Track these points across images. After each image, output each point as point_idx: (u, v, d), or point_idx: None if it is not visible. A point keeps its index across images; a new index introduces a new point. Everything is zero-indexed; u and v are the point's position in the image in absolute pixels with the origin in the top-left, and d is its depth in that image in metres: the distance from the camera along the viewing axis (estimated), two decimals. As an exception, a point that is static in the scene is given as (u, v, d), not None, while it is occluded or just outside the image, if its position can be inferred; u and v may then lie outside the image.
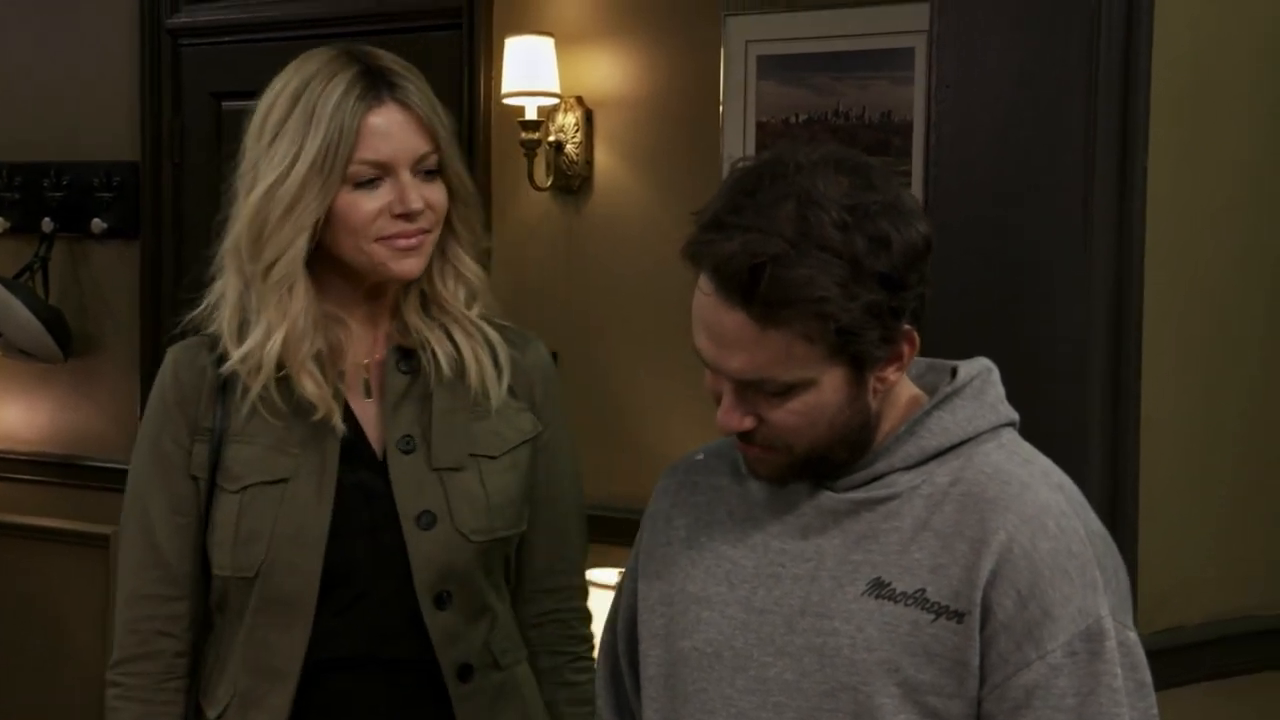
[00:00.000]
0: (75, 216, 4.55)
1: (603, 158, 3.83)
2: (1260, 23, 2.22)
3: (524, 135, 3.77)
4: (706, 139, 3.66)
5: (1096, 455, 2.09)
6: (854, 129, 3.47)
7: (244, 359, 2.00)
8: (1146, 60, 2.07)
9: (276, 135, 1.97)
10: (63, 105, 4.61)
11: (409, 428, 2.05)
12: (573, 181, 3.85)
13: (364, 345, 2.07)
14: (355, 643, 2.03)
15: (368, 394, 2.07)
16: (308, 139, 1.95)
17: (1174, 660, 2.08)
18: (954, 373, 1.69)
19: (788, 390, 1.56)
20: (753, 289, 1.51)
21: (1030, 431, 1.70)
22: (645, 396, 3.78)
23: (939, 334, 1.90)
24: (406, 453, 2.04)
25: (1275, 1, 2.23)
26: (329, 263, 2.02)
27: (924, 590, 1.57)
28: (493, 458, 2.07)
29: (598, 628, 2.17)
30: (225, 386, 2.04)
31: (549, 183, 3.86)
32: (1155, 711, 1.60)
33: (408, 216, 1.98)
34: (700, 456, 1.82)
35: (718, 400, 1.61)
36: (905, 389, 1.68)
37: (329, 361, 2.02)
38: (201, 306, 2.07)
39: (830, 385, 1.57)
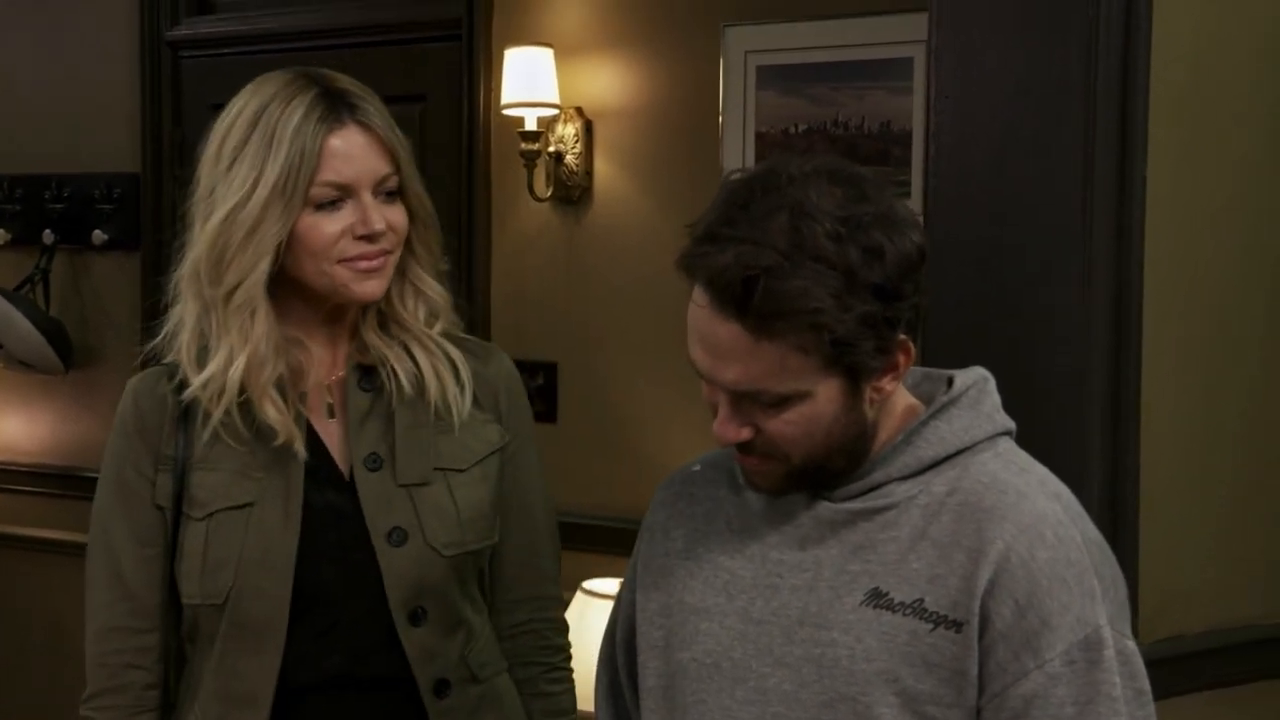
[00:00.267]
0: (76, 228, 4.55)
1: (602, 168, 3.84)
2: (1259, 24, 2.23)
3: (524, 146, 3.77)
4: (706, 149, 3.66)
5: (1096, 464, 2.09)
6: (853, 139, 3.48)
7: (205, 385, 1.99)
8: (1145, 68, 2.07)
9: (235, 159, 1.96)
10: (64, 117, 4.61)
11: (374, 445, 2.04)
12: (572, 192, 3.86)
13: (325, 366, 2.07)
14: (330, 665, 2.02)
15: (330, 414, 2.07)
16: (268, 162, 1.94)
17: (1175, 669, 2.08)
18: (950, 382, 1.69)
19: (783, 401, 1.56)
20: (746, 301, 1.51)
21: (1030, 441, 1.70)
22: (645, 406, 3.78)
23: (938, 343, 1.91)
24: (373, 470, 2.03)
25: (1274, 3, 2.24)
26: (289, 286, 2.01)
27: (922, 600, 1.57)
28: (460, 470, 2.06)
29: (589, 637, 2.17)
30: (186, 414, 2.03)
31: (549, 193, 3.86)
32: (1153, 720, 1.60)
33: (370, 238, 1.98)
34: (697, 467, 1.82)
35: (714, 411, 1.61)
36: (901, 398, 1.68)
37: (290, 384, 2.02)
38: (161, 335, 2.06)
39: (826, 396, 1.57)
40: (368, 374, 2.07)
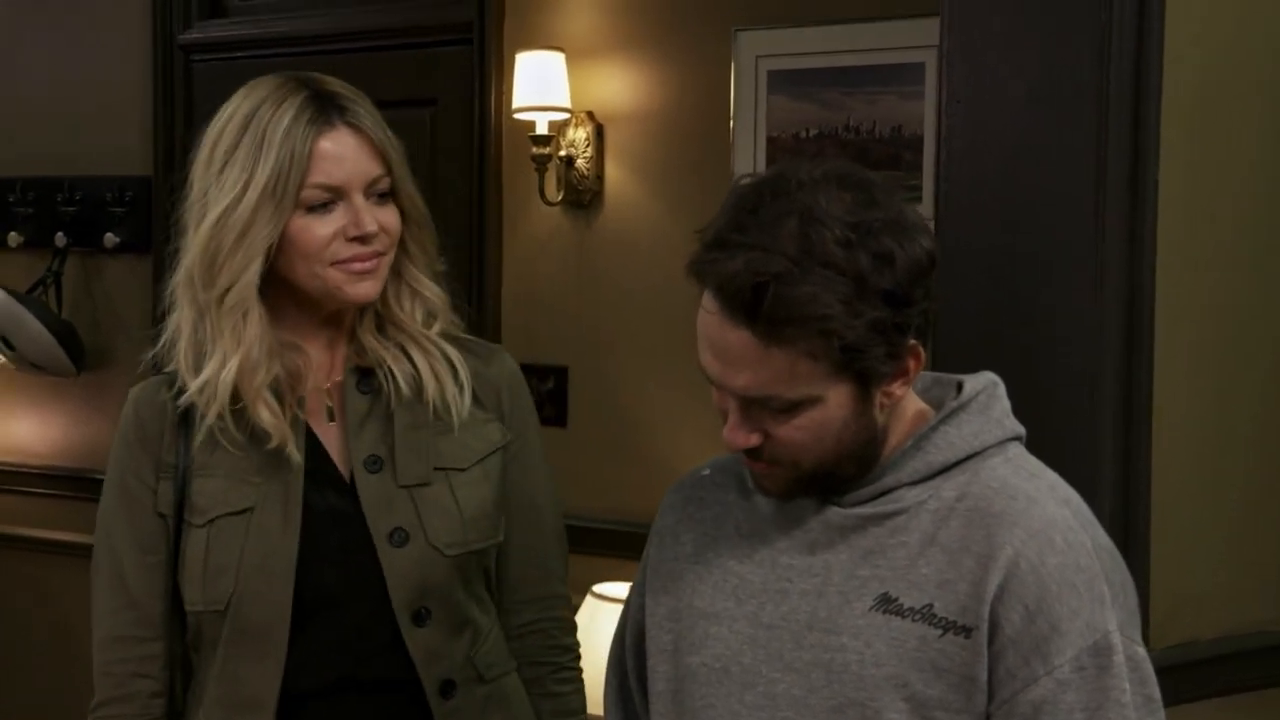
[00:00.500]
0: (88, 231, 4.56)
1: (613, 172, 3.84)
2: (1272, 26, 2.22)
3: (535, 150, 3.78)
4: (717, 154, 3.66)
5: (1107, 469, 2.08)
6: (864, 144, 3.47)
7: (200, 389, 1.99)
8: (1157, 72, 2.07)
9: (226, 163, 1.96)
10: (76, 120, 4.62)
11: (374, 447, 2.04)
12: (583, 196, 3.86)
13: (324, 370, 2.07)
14: (335, 668, 2.02)
15: (330, 418, 2.07)
16: (259, 165, 1.94)
17: (1186, 675, 2.07)
18: (960, 387, 1.69)
19: (793, 407, 1.56)
20: (756, 307, 1.51)
21: (1041, 446, 1.70)
22: (655, 410, 3.78)
23: (949, 348, 1.90)
24: (373, 472, 2.03)
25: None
26: (284, 290, 2.02)
27: (931, 605, 1.57)
28: (461, 470, 2.06)
29: (599, 640, 2.17)
30: (186, 422, 2.03)
31: (560, 197, 3.86)
32: (1164, 726, 1.60)
33: (362, 239, 1.98)
34: (707, 472, 1.82)
35: (724, 417, 1.61)
36: (911, 404, 1.68)
37: (288, 388, 2.02)
38: (160, 343, 2.06)
39: (836, 402, 1.57)
40: (365, 376, 2.07)
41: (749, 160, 3.60)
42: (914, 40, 3.34)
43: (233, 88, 2.04)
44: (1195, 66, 2.13)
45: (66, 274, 4.59)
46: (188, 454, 2.03)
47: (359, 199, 1.98)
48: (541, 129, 3.76)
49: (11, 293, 4.44)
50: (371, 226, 1.98)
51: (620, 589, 3.14)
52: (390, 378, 2.05)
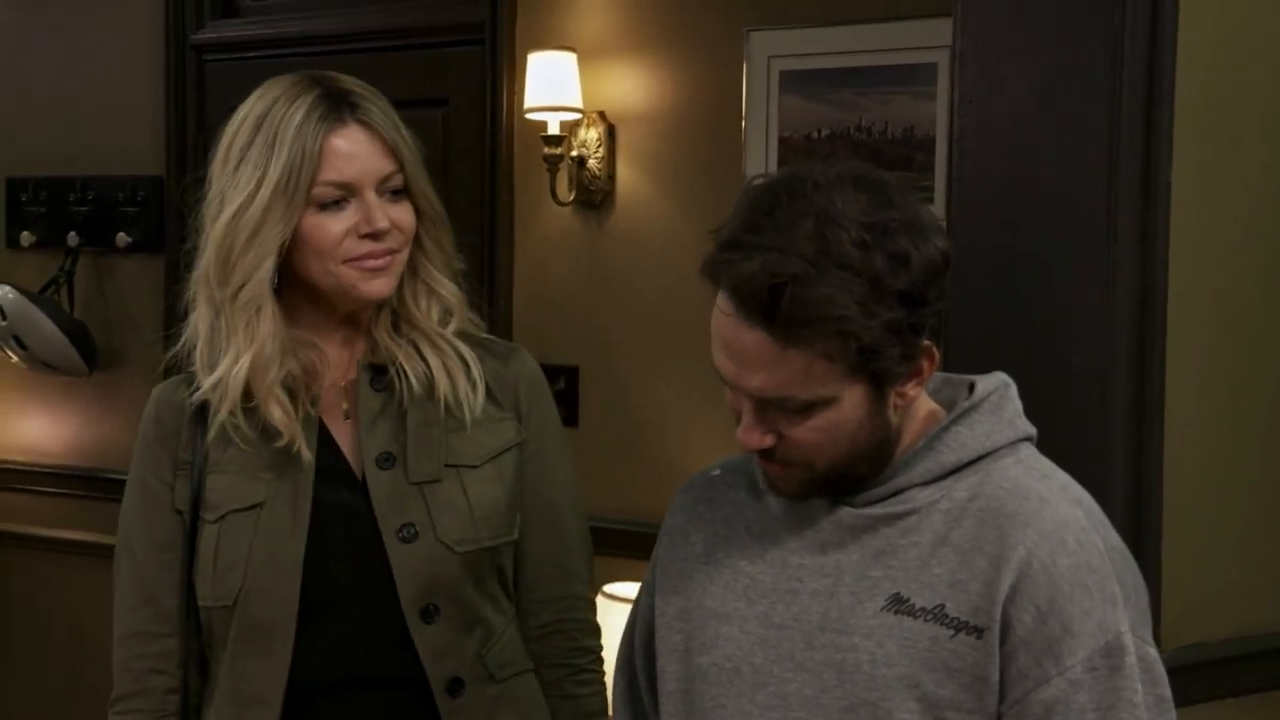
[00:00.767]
0: (100, 231, 4.57)
1: (625, 173, 3.84)
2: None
3: (546, 150, 3.78)
4: (729, 154, 3.66)
5: (1119, 469, 2.08)
6: (876, 144, 3.47)
7: (214, 386, 2.01)
8: (1170, 73, 2.07)
9: (241, 161, 1.98)
10: (88, 120, 4.63)
11: (387, 444, 2.05)
12: (595, 196, 3.86)
13: (340, 368, 2.08)
14: (343, 664, 2.02)
15: (346, 416, 2.08)
16: (271, 163, 1.96)
17: (1198, 676, 2.07)
18: (972, 388, 1.69)
19: (808, 408, 1.56)
20: (773, 309, 1.51)
21: (1052, 446, 1.70)
22: (666, 410, 3.78)
23: (961, 349, 1.90)
24: (385, 469, 2.04)
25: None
26: (301, 288, 2.03)
27: (943, 606, 1.57)
28: (473, 467, 2.07)
29: (608, 640, 2.17)
30: (201, 419, 2.05)
31: (571, 197, 3.86)
32: (1175, 727, 1.60)
33: (374, 236, 1.99)
34: (717, 472, 1.82)
35: (738, 417, 1.61)
36: (923, 404, 1.68)
37: (303, 385, 2.03)
38: (180, 343, 2.08)
39: (851, 402, 1.57)
40: (379, 374, 2.08)
41: (761, 161, 3.60)
42: (926, 41, 3.34)
43: (245, 88, 2.05)
44: (1208, 69, 2.12)
45: (79, 273, 4.60)
46: (202, 450, 2.04)
47: (371, 196, 1.99)
48: (553, 129, 3.76)
49: (24, 292, 4.45)
50: (383, 223, 1.98)
51: (630, 589, 3.14)
52: (402, 375, 2.05)
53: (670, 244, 3.73)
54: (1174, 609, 2.12)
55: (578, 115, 3.79)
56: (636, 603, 1.88)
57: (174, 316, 2.12)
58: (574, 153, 3.83)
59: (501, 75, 3.95)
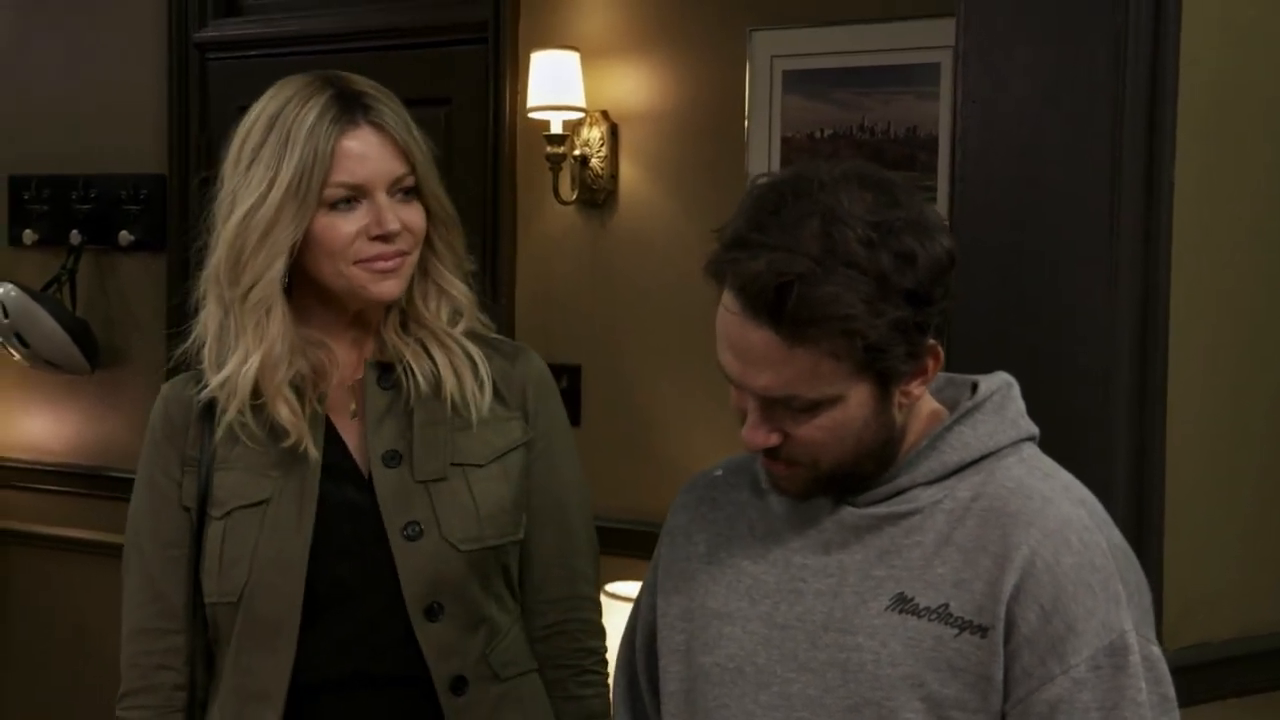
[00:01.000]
0: (102, 229, 4.57)
1: (628, 172, 3.84)
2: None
3: (549, 149, 3.78)
4: (731, 154, 3.66)
5: (1121, 469, 2.08)
6: (879, 144, 3.47)
7: (222, 384, 2.01)
8: (1173, 73, 2.07)
9: (253, 161, 1.99)
10: (91, 119, 4.63)
11: (393, 443, 2.05)
12: (597, 195, 3.86)
13: (349, 367, 2.09)
14: (347, 662, 2.03)
15: (354, 414, 2.08)
16: (283, 163, 1.96)
17: (1199, 676, 2.07)
18: (974, 387, 1.69)
19: (814, 407, 1.56)
20: (780, 308, 1.51)
21: (1055, 445, 1.70)
22: (668, 409, 3.78)
23: (964, 348, 1.90)
24: (391, 467, 2.04)
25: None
26: (311, 288, 2.04)
27: (947, 605, 1.57)
28: (479, 466, 2.07)
29: (609, 639, 2.17)
30: (209, 416, 2.06)
31: (574, 196, 3.87)
32: (1179, 726, 1.60)
33: (385, 238, 1.99)
34: (719, 472, 1.82)
35: (742, 417, 1.61)
36: (926, 404, 1.68)
37: (311, 384, 2.04)
38: (190, 340, 2.08)
39: (856, 401, 1.57)
40: (386, 372, 2.08)
41: (763, 160, 3.60)
42: (929, 40, 3.34)
43: (247, 86, 2.06)
44: (1211, 69, 2.13)
45: (81, 271, 4.60)
46: (210, 448, 2.05)
47: (382, 197, 1.99)
48: (556, 128, 3.77)
49: (26, 290, 4.45)
50: (394, 225, 1.99)
51: (632, 588, 3.14)
52: (409, 373, 2.06)
53: (673, 243, 3.73)
54: (1176, 608, 2.12)
55: (580, 114, 3.80)
56: (637, 603, 1.88)
57: (177, 315, 2.13)
58: (577, 152, 3.83)
59: (504, 74, 3.95)
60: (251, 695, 2.03)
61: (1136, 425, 2.09)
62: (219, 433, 2.04)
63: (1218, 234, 2.17)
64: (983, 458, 1.64)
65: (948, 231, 1.58)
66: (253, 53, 4.40)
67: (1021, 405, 1.69)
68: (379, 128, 2.00)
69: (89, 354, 4.50)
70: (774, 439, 1.60)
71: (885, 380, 1.57)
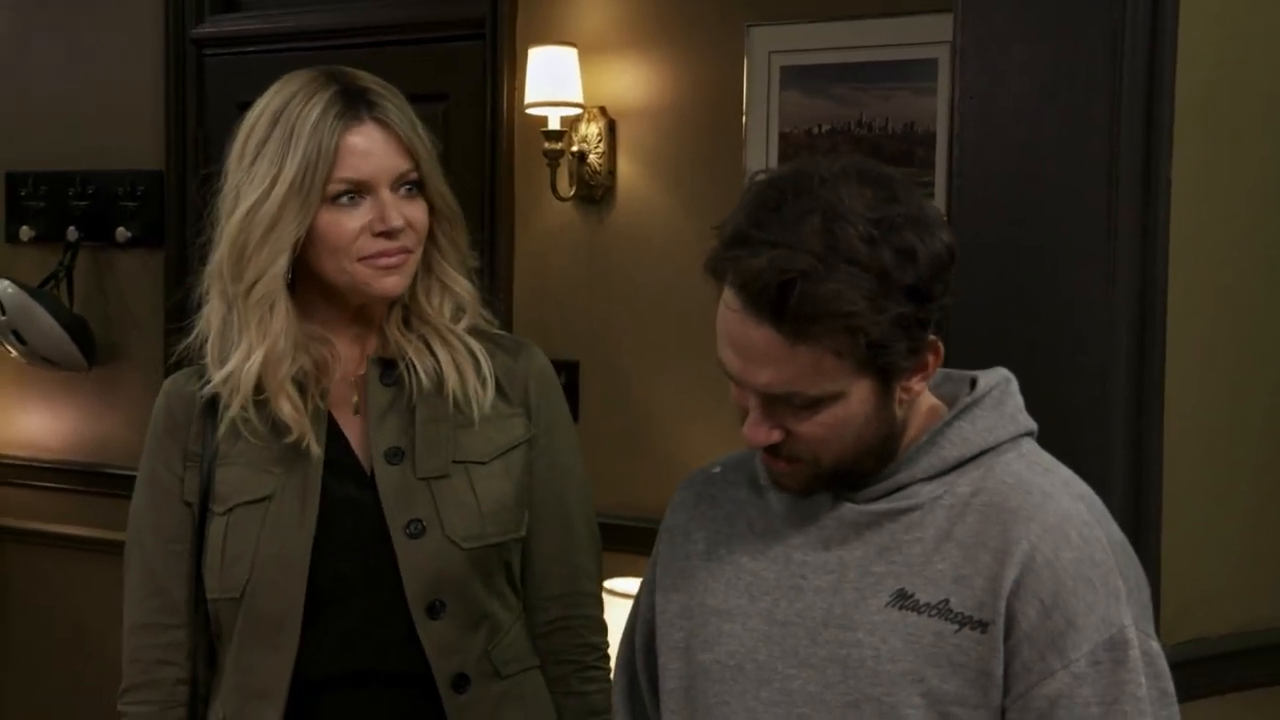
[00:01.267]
0: (100, 225, 4.56)
1: (625, 168, 3.84)
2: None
3: (547, 145, 3.78)
4: (729, 149, 3.66)
5: (1118, 464, 2.08)
6: (877, 140, 3.47)
7: (225, 380, 2.02)
8: (1170, 69, 2.07)
9: (257, 156, 1.99)
10: (88, 115, 4.62)
11: (395, 439, 2.05)
12: (595, 191, 3.86)
13: (351, 363, 2.09)
14: (349, 659, 2.03)
15: (356, 410, 2.08)
16: (287, 159, 1.96)
17: (1197, 671, 2.07)
18: (973, 383, 1.69)
19: (816, 404, 1.56)
20: (782, 305, 1.50)
21: (1052, 441, 1.70)
22: (666, 406, 3.78)
23: (961, 344, 1.90)
24: (394, 464, 2.04)
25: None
26: (314, 284, 2.04)
27: (947, 601, 1.57)
28: (482, 463, 2.07)
29: (614, 638, 2.17)
30: (211, 412, 2.06)
31: (572, 192, 3.86)
32: (1178, 720, 1.60)
33: (388, 234, 1.99)
34: (717, 469, 1.82)
35: (743, 414, 1.61)
36: (925, 399, 1.68)
37: (313, 379, 2.04)
38: (192, 335, 2.08)
39: (858, 397, 1.57)
40: (388, 368, 2.08)
41: (761, 156, 3.60)
42: (927, 36, 3.34)
43: (245, 83, 2.06)
44: (1208, 65, 2.13)
45: (78, 268, 4.60)
46: (212, 443, 2.05)
47: (386, 194, 1.99)
48: (554, 124, 3.77)
49: (23, 287, 4.45)
50: (397, 221, 1.99)
51: (631, 584, 3.14)
52: (411, 370, 2.06)
53: (671, 239, 3.73)
54: (1173, 604, 2.12)
55: (578, 110, 3.80)
56: (637, 601, 1.88)
57: (174, 311, 2.12)
58: (575, 148, 3.83)
59: (502, 70, 3.95)
60: (253, 692, 2.03)
61: (1134, 421, 2.09)
62: (222, 428, 2.04)
63: (1215, 230, 2.17)
64: (982, 453, 1.64)
65: (947, 227, 1.58)
66: (250, 49, 4.40)
67: (1020, 401, 1.69)
68: (383, 124, 2.00)
69: (86, 351, 4.50)
70: (775, 436, 1.60)
71: (886, 376, 1.57)
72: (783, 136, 3.60)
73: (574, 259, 3.92)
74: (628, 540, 3.39)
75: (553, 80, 3.74)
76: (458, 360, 2.07)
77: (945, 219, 1.62)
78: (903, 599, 1.59)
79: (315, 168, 1.96)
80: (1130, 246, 2.07)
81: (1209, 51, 2.13)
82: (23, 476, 4.78)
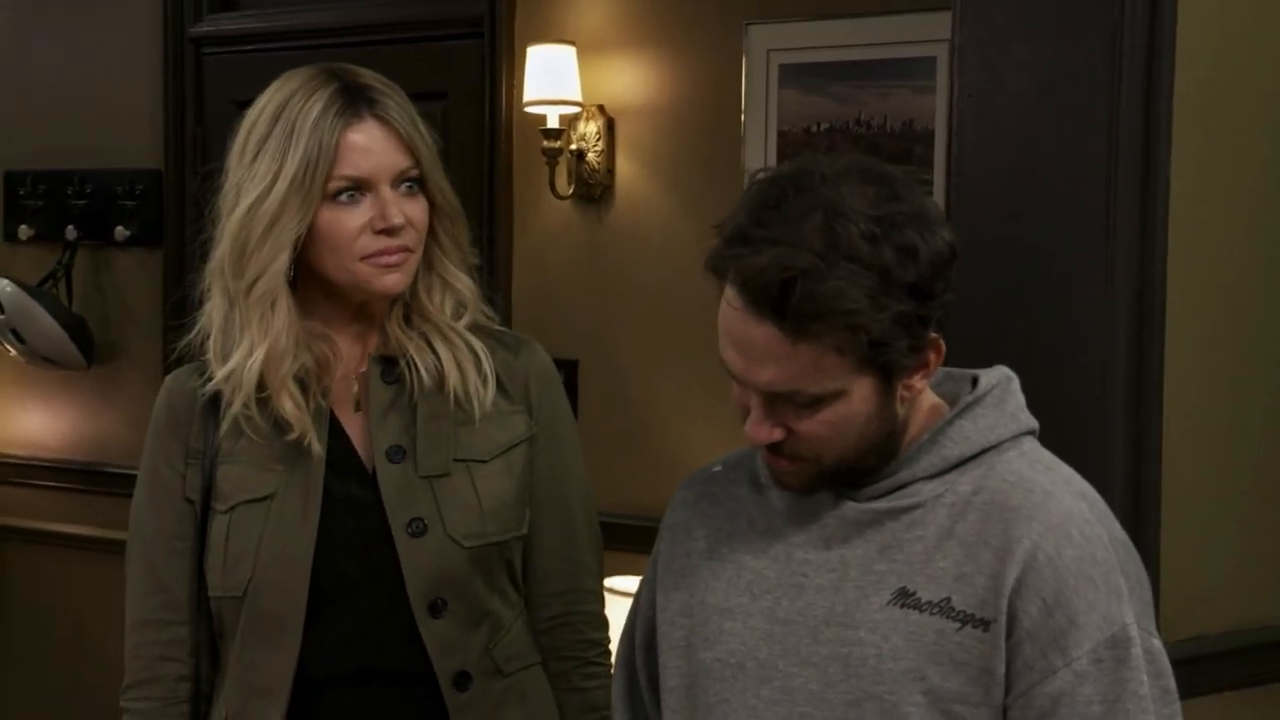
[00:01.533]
0: (99, 224, 4.57)
1: (624, 166, 3.84)
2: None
3: (545, 144, 3.78)
4: (728, 148, 3.66)
5: (1118, 463, 2.08)
6: (876, 138, 3.47)
7: (226, 377, 2.02)
8: (1169, 67, 2.07)
9: (258, 154, 1.99)
10: (86, 114, 4.62)
11: (397, 437, 2.06)
12: (594, 190, 3.86)
13: (353, 360, 2.09)
14: (352, 657, 2.03)
15: (357, 408, 2.08)
16: (288, 156, 1.96)
17: (1196, 669, 2.07)
18: (974, 381, 1.69)
19: (817, 402, 1.56)
20: (784, 303, 1.50)
21: (1051, 439, 1.70)
22: (665, 404, 3.78)
23: (960, 342, 1.90)
24: (395, 462, 2.04)
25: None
26: (315, 281, 2.04)
27: (949, 599, 1.57)
28: (483, 461, 2.07)
29: (615, 634, 2.17)
30: (213, 409, 2.06)
31: (570, 191, 3.87)
32: (1180, 718, 1.60)
33: (389, 232, 1.99)
34: (718, 468, 1.82)
35: (744, 413, 1.61)
36: (926, 398, 1.68)
37: (315, 377, 2.04)
38: (194, 331, 2.08)
39: (860, 395, 1.57)
40: (390, 366, 2.08)
41: (760, 154, 3.61)
42: (925, 34, 3.34)
43: (243, 81, 2.06)
44: (1207, 63, 2.13)
45: (77, 267, 4.60)
46: (214, 441, 2.05)
47: (386, 191, 1.99)
48: (552, 123, 3.77)
49: (22, 286, 4.45)
50: (398, 219, 1.99)
51: (630, 583, 3.14)
52: (413, 368, 2.06)
53: (669, 238, 3.73)
54: (1173, 602, 2.12)
55: (577, 109, 3.80)
56: (636, 599, 1.88)
57: (173, 310, 2.12)
58: (573, 146, 3.83)
59: (500, 69, 3.95)
60: (255, 690, 2.03)
61: (1133, 419, 2.09)
62: (224, 426, 2.04)
63: (1214, 229, 2.17)
64: (983, 452, 1.64)
65: (949, 225, 1.58)
66: (248, 47, 4.40)
67: (1021, 399, 1.69)
68: (383, 121, 2.00)
69: (85, 349, 4.50)
70: (777, 434, 1.60)
71: (888, 374, 1.57)
72: (781, 135, 3.60)
73: (573, 257, 3.93)
74: (626, 539, 3.39)
75: (551, 79, 3.74)
76: (459, 358, 2.07)
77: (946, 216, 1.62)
78: (904, 597, 1.59)
79: (316, 165, 1.96)
80: (1129, 245, 2.07)
81: (1208, 51, 2.13)
82: (22, 475, 4.78)
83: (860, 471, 1.63)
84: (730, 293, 1.55)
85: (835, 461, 1.61)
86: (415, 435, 2.05)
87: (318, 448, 2.02)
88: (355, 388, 2.09)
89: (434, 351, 2.07)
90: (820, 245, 1.50)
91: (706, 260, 1.57)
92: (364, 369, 2.09)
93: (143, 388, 4.47)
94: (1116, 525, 1.64)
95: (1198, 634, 2.18)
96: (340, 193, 1.98)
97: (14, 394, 4.79)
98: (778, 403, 1.58)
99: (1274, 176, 2.23)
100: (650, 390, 3.82)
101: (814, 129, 3.56)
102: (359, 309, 2.07)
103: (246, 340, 2.00)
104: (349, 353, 2.08)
